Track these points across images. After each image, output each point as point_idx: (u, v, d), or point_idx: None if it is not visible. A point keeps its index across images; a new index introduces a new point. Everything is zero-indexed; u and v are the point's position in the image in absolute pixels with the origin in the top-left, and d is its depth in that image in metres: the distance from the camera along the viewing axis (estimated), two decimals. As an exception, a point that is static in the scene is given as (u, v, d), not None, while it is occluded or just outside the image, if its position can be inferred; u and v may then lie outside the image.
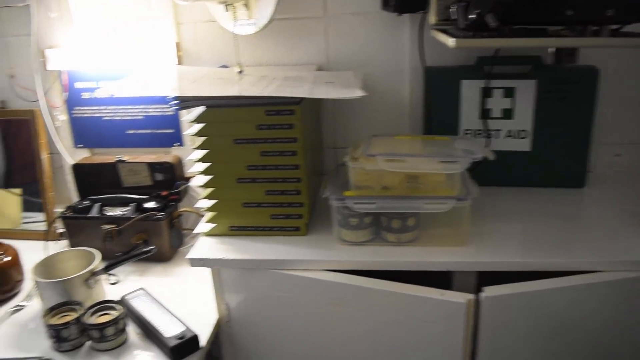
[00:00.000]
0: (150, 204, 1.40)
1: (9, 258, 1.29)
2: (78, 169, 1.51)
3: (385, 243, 1.09)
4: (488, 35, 0.95)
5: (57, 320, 1.09)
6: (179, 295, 1.23)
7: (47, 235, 1.50)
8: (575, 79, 1.23)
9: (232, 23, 1.31)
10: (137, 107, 1.50)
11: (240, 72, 1.29)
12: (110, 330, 1.07)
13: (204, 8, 1.38)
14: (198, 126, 1.09)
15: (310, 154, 1.20)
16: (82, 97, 1.52)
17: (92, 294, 1.19)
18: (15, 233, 1.56)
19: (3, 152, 1.60)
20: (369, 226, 1.09)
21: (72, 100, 1.53)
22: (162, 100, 1.46)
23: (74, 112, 1.54)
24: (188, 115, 1.10)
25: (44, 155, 1.54)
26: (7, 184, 1.61)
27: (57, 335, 1.08)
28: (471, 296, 0.98)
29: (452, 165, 1.04)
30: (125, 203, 1.42)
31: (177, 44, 1.43)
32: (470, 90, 1.28)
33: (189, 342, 1.06)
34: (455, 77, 1.28)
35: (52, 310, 1.12)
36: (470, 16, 0.93)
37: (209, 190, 1.14)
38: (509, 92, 1.27)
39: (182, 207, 1.47)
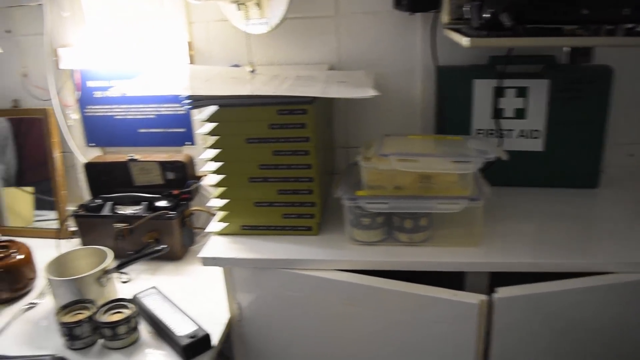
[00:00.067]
0: (162, 203, 1.41)
1: (21, 256, 1.30)
2: (90, 167, 1.52)
3: (398, 243, 1.09)
4: (502, 35, 0.94)
5: (69, 318, 1.10)
6: (190, 294, 1.24)
7: (59, 234, 1.52)
8: (589, 78, 1.22)
9: (244, 22, 1.31)
10: (149, 106, 1.51)
11: (252, 71, 1.29)
12: (122, 329, 1.08)
13: (216, 7, 1.38)
14: (210, 125, 1.09)
15: (323, 154, 1.20)
16: (95, 96, 1.53)
17: (104, 292, 1.20)
18: (27, 231, 1.57)
19: (16, 150, 1.61)
20: (381, 226, 1.09)
21: (85, 99, 1.53)
22: (174, 99, 1.46)
23: (86, 110, 1.55)
24: (200, 115, 1.11)
25: (57, 154, 1.55)
26: (20, 182, 1.62)
27: (70, 333, 1.08)
28: (484, 297, 0.97)
29: (465, 165, 1.04)
30: (137, 202, 1.43)
31: (189, 43, 1.43)
32: (482, 89, 1.27)
33: (200, 341, 1.06)
34: (468, 77, 1.27)
35: (65, 308, 1.13)
36: (484, 15, 0.92)
37: (221, 189, 1.14)
38: (522, 92, 1.26)
39: (194, 206, 1.47)
